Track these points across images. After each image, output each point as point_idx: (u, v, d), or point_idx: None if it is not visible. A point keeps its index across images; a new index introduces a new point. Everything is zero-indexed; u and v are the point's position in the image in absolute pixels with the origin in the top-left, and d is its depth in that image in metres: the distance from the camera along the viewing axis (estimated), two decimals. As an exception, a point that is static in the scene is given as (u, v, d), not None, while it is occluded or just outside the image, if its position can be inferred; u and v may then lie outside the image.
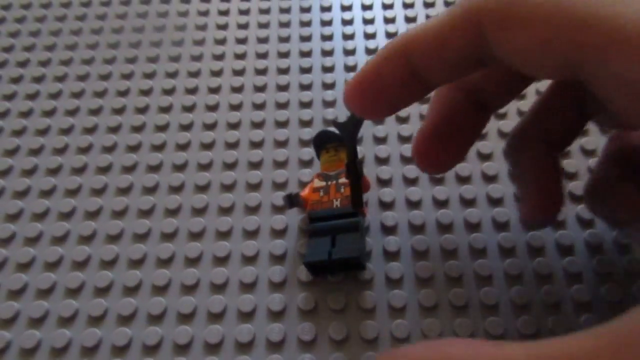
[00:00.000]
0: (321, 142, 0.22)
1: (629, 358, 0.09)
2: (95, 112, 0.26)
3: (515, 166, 0.20)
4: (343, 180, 0.20)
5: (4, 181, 0.23)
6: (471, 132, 0.19)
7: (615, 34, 0.12)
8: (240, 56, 0.28)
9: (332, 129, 0.22)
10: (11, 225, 0.22)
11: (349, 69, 0.27)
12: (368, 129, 0.24)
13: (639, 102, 0.12)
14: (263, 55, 0.28)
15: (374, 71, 0.16)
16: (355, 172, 0.19)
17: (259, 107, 0.25)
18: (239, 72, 0.27)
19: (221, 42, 0.28)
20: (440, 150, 0.19)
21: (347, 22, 0.29)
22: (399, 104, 0.17)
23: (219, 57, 0.28)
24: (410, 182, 0.23)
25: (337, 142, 0.21)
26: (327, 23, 0.29)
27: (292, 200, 0.20)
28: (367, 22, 0.29)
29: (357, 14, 0.29)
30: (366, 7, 0.30)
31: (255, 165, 0.23)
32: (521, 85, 0.19)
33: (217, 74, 0.27)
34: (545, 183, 0.19)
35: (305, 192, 0.21)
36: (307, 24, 0.29)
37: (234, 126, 0.25)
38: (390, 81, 0.16)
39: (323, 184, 0.21)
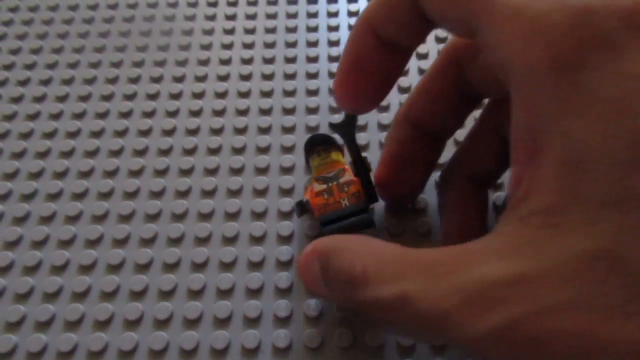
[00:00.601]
0: (311, 148, 0.22)
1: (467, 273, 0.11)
2: (102, 115, 0.26)
3: (443, 201, 0.20)
4: (344, 179, 0.20)
5: (11, 184, 0.23)
6: (426, 162, 0.20)
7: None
8: (247, 61, 0.28)
9: (328, 132, 0.22)
10: (18, 228, 0.22)
11: (355, 75, 0.27)
12: (374, 135, 0.24)
13: (501, 67, 0.12)
14: (270, 61, 0.28)
15: (351, 55, 0.17)
16: (363, 167, 0.19)
17: (266, 112, 0.26)
18: (246, 77, 0.27)
19: (228, 46, 0.28)
20: (398, 181, 0.20)
21: (354, 28, 0.29)
22: (385, 78, 0.17)
23: (226, 62, 0.28)
24: (416, 189, 0.23)
25: (325, 145, 0.21)
26: (334, 29, 0.29)
27: (304, 207, 0.20)
28: (374, 28, 0.29)
29: (363, 20, 0.29)
30: (373, 14, 0.30)
31: (262, 171, 0.23)
32: (464, 113, 0.19)
33: (224, 78, 0.27)
34: (466, 218, 0.19)
35: (308, 198, 0.20)
36: (314, 29, 0.29)
37: (241, 131, 0.25)
38: (368, 56, 0.16)
39: (324, 186, 0.20)
